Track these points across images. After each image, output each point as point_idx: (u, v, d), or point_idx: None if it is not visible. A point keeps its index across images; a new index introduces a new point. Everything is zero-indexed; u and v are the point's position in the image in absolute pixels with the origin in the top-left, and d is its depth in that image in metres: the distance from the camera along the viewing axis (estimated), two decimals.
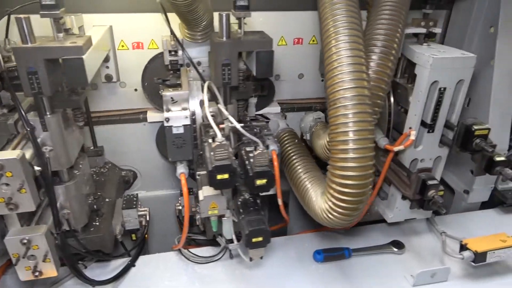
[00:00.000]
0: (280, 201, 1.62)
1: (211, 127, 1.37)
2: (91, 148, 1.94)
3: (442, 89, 1.52)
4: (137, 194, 1.88)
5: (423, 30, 1.61)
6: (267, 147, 1.45)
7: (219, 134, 1.21)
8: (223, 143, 1.17)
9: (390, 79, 1.41)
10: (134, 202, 1.81)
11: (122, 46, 1.84)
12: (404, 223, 1.95)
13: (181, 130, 1.50)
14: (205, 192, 1.38)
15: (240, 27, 1.42)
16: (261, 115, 2.03)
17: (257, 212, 1.41)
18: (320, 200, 1.38)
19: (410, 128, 1.60)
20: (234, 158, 1.26)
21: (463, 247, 1.62)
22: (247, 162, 1.33)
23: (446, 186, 2.25)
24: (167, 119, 1.44)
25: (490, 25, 1.88)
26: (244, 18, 1.41)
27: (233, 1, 1.36)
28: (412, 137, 1.56)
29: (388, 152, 1.63)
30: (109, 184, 1.90)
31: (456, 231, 1.93)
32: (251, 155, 1.29)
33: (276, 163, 1.55)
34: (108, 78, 1.84)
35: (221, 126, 1.37)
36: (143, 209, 1.85)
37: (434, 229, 1.92)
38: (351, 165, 1.22)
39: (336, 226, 1.35)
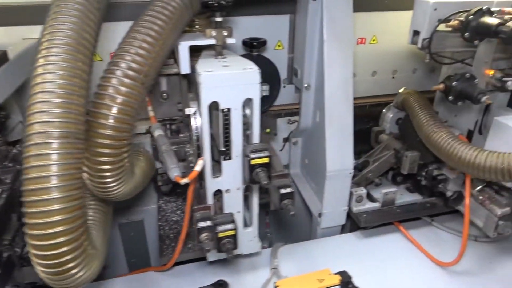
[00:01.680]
0: None
1: None
2: None
3: (225, 110, 1.29)
4: None
5: (212, 41, 1.38)
6: None
7: None
8: None
9: (137, 106, 1.16)
10: None
11: None
12: (241, 257, 1.72)
13: None
14: None
15: None
16: None
17: None
18: None
19: (200, 156, 1.37)
20: None
21: None
22: None
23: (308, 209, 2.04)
24: None
25: None
26: None
27: None
28: (197, 168, 1.32)
29: None
30: None
31: (301, 262, 1.73)
32: None
33: None
34: None
35: None
36: None
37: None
38: (56, 219, 0.97)
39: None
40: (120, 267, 2.18)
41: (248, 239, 1.59)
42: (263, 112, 1.94)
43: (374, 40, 2.07)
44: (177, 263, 1.66)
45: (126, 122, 1.14)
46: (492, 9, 1.49)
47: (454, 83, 1.56)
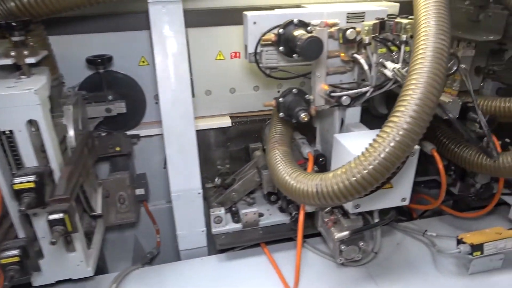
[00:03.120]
0: None
1: None
2: None
3: (8, 132, 1.26)
4: None
5: (9, 61, 1.36)
6: None
7: None
8: None
9: None
10: None
11: None
12: (86, 280, 1.65)
13: None
14: None
15: None
16: None
17: None
18: None
19: None
20: None
21: None
22: None
23: None
24: None
25: None
26: None
27: None
28: None
29: None
30: None
31: (149, 287, 1.66)
32: None
33: None
34: None
35: None
36: None
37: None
38: None
39: None
40: None
41: (75, 263, 1.53)
42: (126, 129, 1.91)
43: None
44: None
45: None
46: (314, 21, 1.41)
47: (281, 99, 1.48)
